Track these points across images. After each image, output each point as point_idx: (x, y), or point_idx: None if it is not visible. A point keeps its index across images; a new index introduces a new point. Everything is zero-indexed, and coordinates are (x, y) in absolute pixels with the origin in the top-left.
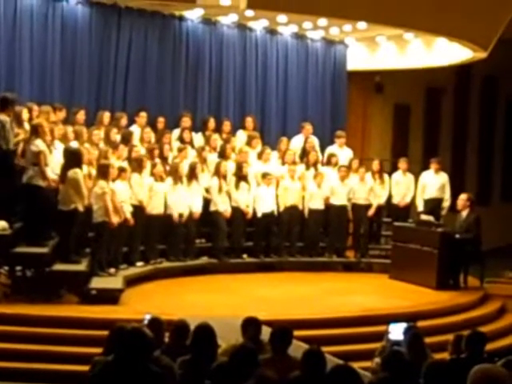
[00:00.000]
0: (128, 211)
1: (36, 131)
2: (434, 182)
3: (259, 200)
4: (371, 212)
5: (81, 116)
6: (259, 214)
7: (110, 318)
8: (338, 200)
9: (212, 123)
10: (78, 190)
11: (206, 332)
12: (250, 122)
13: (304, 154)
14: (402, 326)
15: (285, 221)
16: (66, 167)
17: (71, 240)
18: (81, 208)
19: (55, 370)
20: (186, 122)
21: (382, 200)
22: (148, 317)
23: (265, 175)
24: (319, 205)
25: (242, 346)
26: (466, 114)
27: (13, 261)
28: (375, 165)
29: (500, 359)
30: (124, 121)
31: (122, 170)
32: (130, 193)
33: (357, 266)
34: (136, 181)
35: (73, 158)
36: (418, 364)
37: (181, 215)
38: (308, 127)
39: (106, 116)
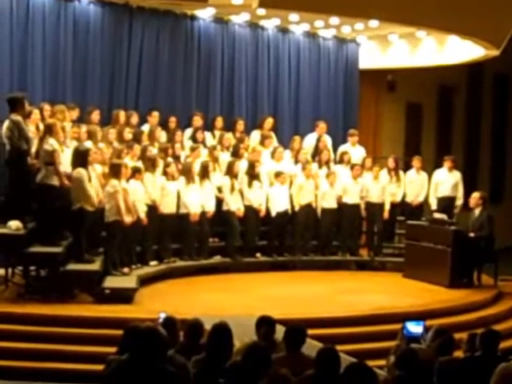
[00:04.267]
0: (142, 211)
1: (50, 130)
2: (447, 181)
3: (273, 199)
4: (386, 211)
5: (95, 115)
6: (273, 213)
7: (124, 318)
8: (351, 198)
9: (220, 122)
10: (81, 190)
11: (223, 331)
12: (270, 122)
13: (316, 152)
14: (417, 323)
15: (301, 220)
16: (72, 166)
17: (82, 239)
18: (88, 207)
19: (70, 370)
20: (198, 121)
21: (398, 198)
22: (162, 315)
23: (278, 174)
24: (332, 204)
25: (255, 345)
26: (479, 111)
27: (27, 261)
28: (390, 162)
29: None
30: (134, 119)
31: (136, 170)
32: (144, 192)
33: (370, 265)
34: (149, 180)
35: (78, 158)
36: (434, 362)
37: (195, 214)
38: (322, 126)
39: (122, 115)
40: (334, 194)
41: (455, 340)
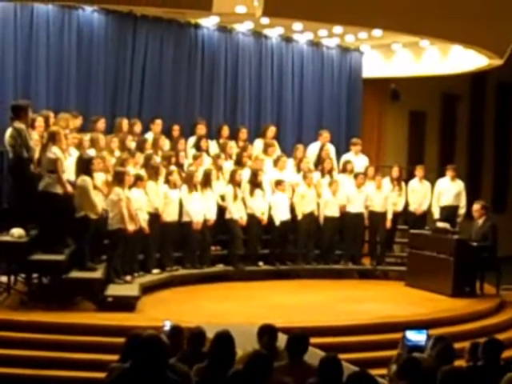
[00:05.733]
0: (143, 219)
1: (53, 138)
2: (449, 190)
3: (275, 207)
4: (389, 220)
5: (101, 124)
6: (277, 222)
7: (127, 325)
8: (355, 208)
9: (226, 131)
10: (86, 198)
11: (225, 340)
12: (272, 131)
13: (319, 161)
14: (419, 332)
15: (303, 229)
16: (76, 174)
17: (85, 247)
18: (92, 215)
19: (72, 377)
20: (201, 129)
21: (400, 207)
22: (168, 324)
23: (279, 182)
24: (335, 212)
25: (257, 353)
26: (482, 121)
27: (29, 268)
28: (395, 171)
29: None
30: (138, 127)
31: (138, 178)
32: (146, 200)
33: (373, 274)
34: (152, 188)
35: (82, 166)
36: (436, 371)
37: (197, 222)
38: (325, 135)
39: (125, 123)
40: (336, 203)
41: (454, 346)
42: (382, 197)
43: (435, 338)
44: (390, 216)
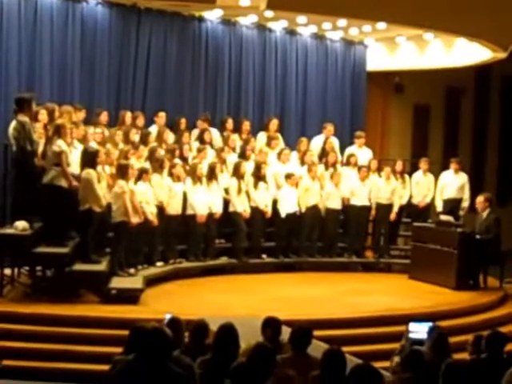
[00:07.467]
0: (151, 212)
1: (58, 131)
2: (453, 182)
3: (283, 200)
4: (394, 213)
5: (103, 117)
6: (283, 215)
7: (130, 318)
8: (359, 200)
9: (230, 124)
10: (90, 190)
11: (229, 332)
12: (275, 124)
13: (323, 154)
14: (423, 325)
15: (307, 221)
16: (81, 167)
17: (88, 239)
18: (96, 208)
19: (75, 370)
20: (202, 124)
21: (404, 200)
22: (168, 316)
23: (289, 176)
24: (337, 204)
25: (260, 346)
26: (486, 114)
27: (33, 261)
28: (399, 165)
29: None
30: (140, 121)
31: (144, 171)
32: (152, 193)
33: (376, 267)
34: (156, 181)
35: (87, 158)
36: (440, 364)
37: (201, 215)
38: (329, 128)
39: (128, 116)
40: (338, 195)
41: (447, 336)
42: (390, 189)
43: (429, 328)
44: (395, 209)
